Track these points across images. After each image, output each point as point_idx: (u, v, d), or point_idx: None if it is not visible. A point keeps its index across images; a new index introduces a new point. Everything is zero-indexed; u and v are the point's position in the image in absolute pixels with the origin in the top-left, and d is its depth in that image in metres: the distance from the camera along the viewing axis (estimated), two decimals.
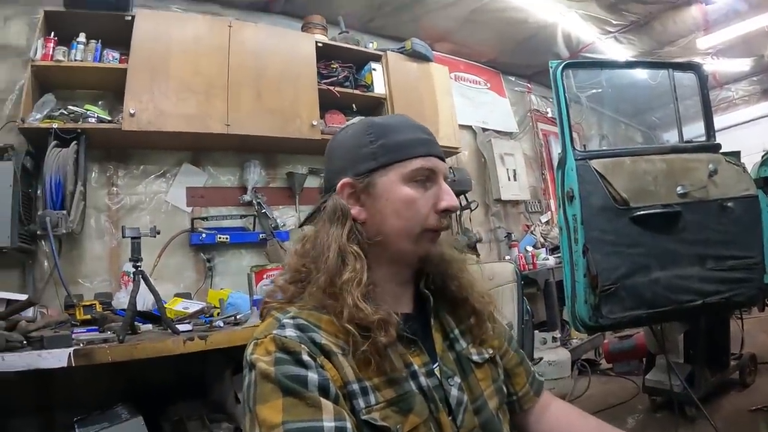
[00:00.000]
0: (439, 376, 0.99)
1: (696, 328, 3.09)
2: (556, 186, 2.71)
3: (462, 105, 5.13)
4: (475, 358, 1.07)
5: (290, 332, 0.89)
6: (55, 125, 2.76)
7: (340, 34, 4.12)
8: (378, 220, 1.00)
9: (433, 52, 4.65)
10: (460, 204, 4.77)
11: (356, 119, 0.88)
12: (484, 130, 5.58)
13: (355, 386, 0.89)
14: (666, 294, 2.46)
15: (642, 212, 2.49)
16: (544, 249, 5.16)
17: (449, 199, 1.01)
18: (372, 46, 4.24)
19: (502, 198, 5.50)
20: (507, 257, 4.98)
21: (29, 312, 2.21)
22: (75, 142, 2.80)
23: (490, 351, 1.11)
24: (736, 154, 2.81)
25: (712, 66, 6.32)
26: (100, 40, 3.05)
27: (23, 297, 2.27)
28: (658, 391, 3.20)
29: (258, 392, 0.84)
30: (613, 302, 2.43)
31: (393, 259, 1.02)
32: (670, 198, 2.54)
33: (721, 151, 2.76)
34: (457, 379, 1.01)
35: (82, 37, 3.00)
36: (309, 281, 0.99)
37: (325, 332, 0.92)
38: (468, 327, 1.10)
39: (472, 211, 4.85)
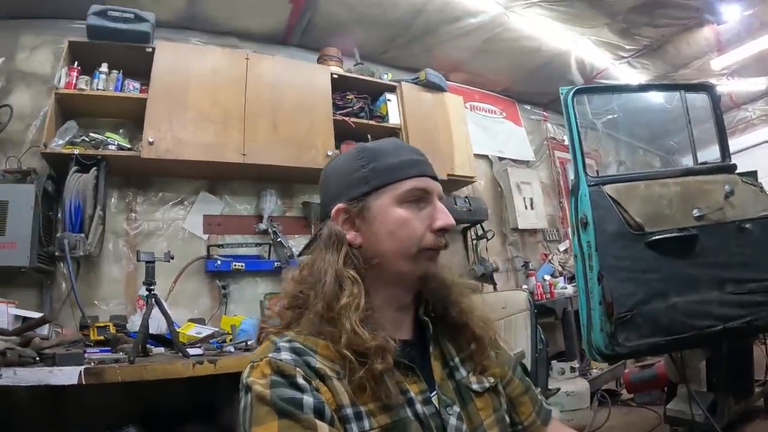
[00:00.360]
0: (437, 404, 0.98)
1: (718, 354, 2.97)
2: (570, 212, 2.69)
3: (478, 134, 5.17)
4: (475, 386, 1.05)
5: (286, 355, 0.89)
6: (76, 151, 2.86)
7: (355, 65, 4.22)
8: (373, 243, 1.00)
9: (448, 82, 4.73)
10: (476, 233, 4.77)
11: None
12: (501, 159, 5.59)
13: (350, 411, 0.88)
14: (684, 320, 2.41)
15: (657, 237, 2.46)
16: (562, 278, 5.09)
17: (444, 217, 1.01)
18: (387, 77, 4.32)
19: (519, 227, 5.46)
20: (524, 286, 4.92)
21: (44, 330, 2.24)
22: (95, 168, 2.89)
23: (492, 380, 1.09)
24: (753, 174, 2.77)
25: (728, 87, 6.27)
26: (121, 71, 3.17)
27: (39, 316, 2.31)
28: (679, 421, 3.08)
29: (254, 415, 0.84)
30: (630, 330, 2.38)
31: (391, 282, 1.02)
32: (686, 221, 2.50)
33: (737, 171, 2.72)
34: (456, 408, 1.00)
35: (104, 67, 3.13)
36: (306, 307, 0.99)
37: (321, 356, 0.92)
38: (469, 354, 1.09)
39: (488, 240, 4.82)
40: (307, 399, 0.84)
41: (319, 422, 0.81)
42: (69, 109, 3.10)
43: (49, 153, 2.84)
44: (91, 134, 3.01)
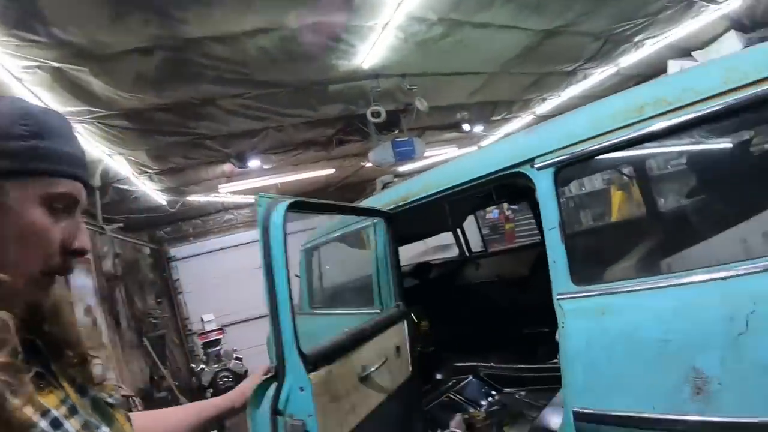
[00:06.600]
0: (86, 417, 0.81)
1: None
2: None
3: None
4: (110, 400, 0.91)
5: None
6: None
7: None
8: None
9: None
10: None
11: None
12: None
13: None
14: None
15: None
16: None
17: (85, 240, 0.82)
18: None
19: None
20: None
21: None
22: None
23: (113, 393, 0.94)
24: None
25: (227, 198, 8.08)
26: None
27: None
28: None
29: None
30: None
31: None
32: None
33: None
34: (105, 428, 0.84)
35: None
36: None
37: None
38: (86, 374, 0.90)
39: None
40: None
41: None
42: None
43: None
44: None
